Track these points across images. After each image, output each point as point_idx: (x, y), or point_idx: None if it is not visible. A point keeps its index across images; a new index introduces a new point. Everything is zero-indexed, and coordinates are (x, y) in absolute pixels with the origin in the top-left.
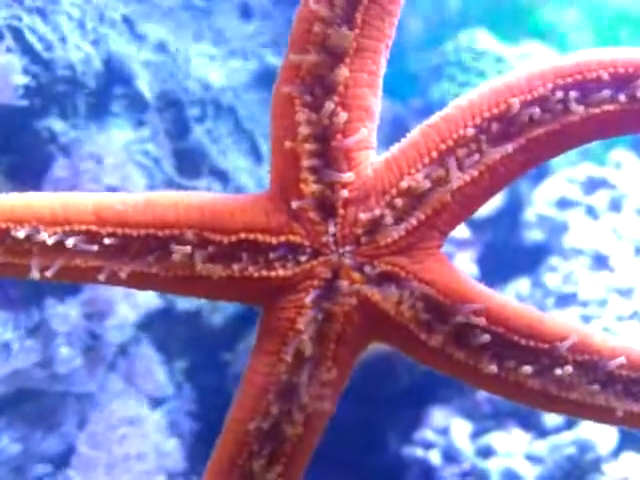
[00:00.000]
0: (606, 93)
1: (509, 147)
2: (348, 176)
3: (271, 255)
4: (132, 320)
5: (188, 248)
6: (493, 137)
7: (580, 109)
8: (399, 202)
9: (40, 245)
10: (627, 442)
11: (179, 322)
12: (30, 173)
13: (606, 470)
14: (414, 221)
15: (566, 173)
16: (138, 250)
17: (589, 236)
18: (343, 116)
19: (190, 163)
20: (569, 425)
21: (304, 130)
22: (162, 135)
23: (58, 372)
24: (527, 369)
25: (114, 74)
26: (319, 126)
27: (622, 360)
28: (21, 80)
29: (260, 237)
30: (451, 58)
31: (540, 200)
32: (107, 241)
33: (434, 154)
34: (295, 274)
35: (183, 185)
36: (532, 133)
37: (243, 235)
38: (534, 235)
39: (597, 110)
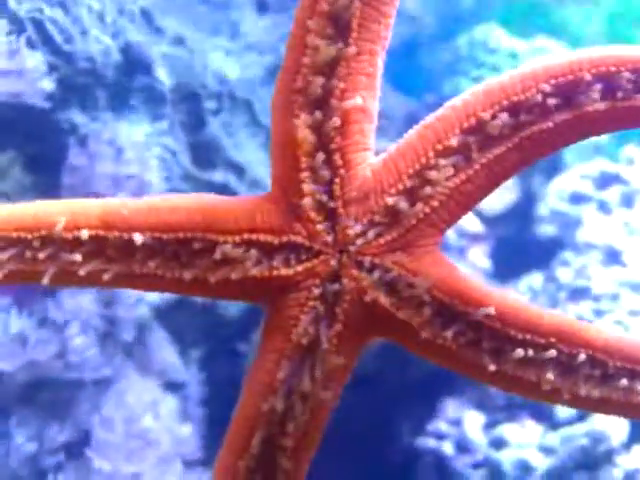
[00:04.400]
0: (596, 91)
1: (502, 147)
2: (347, 177)
3: (273, 255)
4: (148, 308)
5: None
6: (487, 137)
7: (571, 108)
8: (397, 202)
9: (51, 252)
10: (639, 434)
11: (195, 312)
12: (49, 164)
13: (618, 461)
14: (413, 220)
15: (579, 169)
16: (143, 253)
17: (601, 231)
18: (346, 117)
19: (206, 155)
20: (581, 417)
21: (302, 133)
22: (179, 127)
23: (74, 360)
24: (519, 352)
25: (133, 67)
26: (317, 129)
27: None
28: (47, 84)
29: (262, 237)
30: (464, 53)
31: (553, 195)
32: (114, 245)
33: (431, 154)
34: (297, 273)
35: (199, 177)
36: (525, 132)
37: (246, 236)
38: (547, 230)
39: (589, 108)
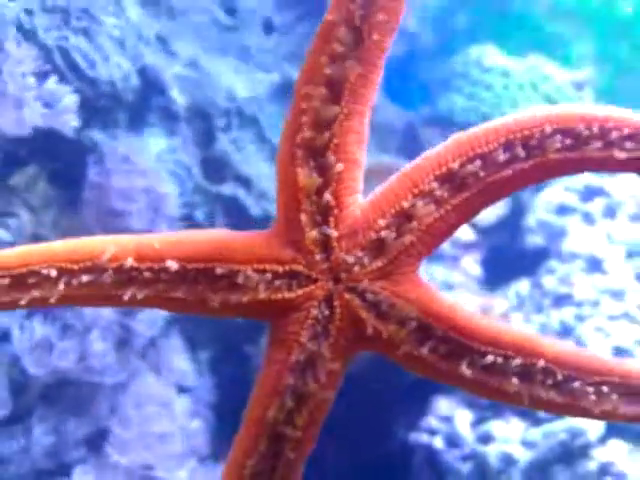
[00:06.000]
0: (552, 143)
1: (469, 192)
2: (340, 216)
3: (278, 281)
4: (162, 316)
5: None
6: (456, 184)
7: (527, 159)
8: (381, 237)
9: (94, 280)
10: (613, 430)
11: (205, 319)
12: (72, 179)
13: (594, 455)
14: (394, 251)
15: (565, 182)
16: (171, 280)
17: (585, 241)
18: (339, 167)
19: (216, 170)
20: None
21: (302, 180)
22: (191, 144)
23: (93, 364)
24: (489, 358)
25: (149, 88)
26: (316, 178)
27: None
28: (71, 105)
29: (269, 267)
30: (459, 70)
31: (541, 207)
32: (145, 274)
33: (409, 197)
34: (298, 296)
35: (210, 190)
36: (489, 179)
37: (257, 265)
38: (535, 239)
39: (544, 159)
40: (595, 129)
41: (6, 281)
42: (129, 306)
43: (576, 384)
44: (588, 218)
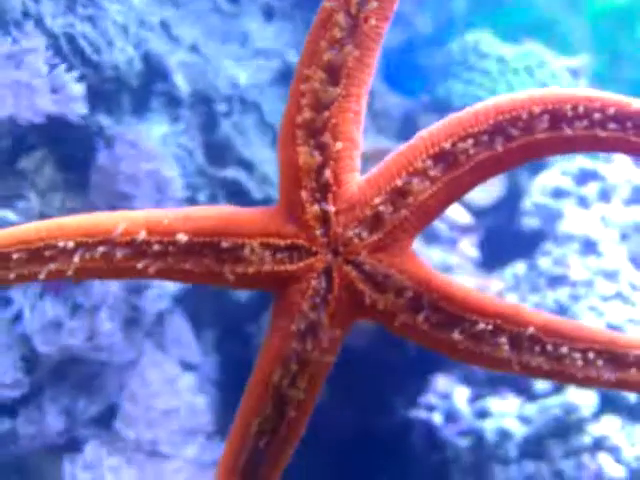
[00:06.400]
0: (539, 123)
1: (459, 170)
2: (338, 193)
3: (280, 254)
4: (168, 295)
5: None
6: (449, 162)
7: (515, 139)
8: (377, 212)
9: (112, 255)
10: (607, 406)
11: (209, 296)
12: (79, 163)
13: (588, 429)
14: (389, 226)
15: (561, 166)
16: (177, 253)
17: (580, 223)
18: (338, 146)
19: (219, 154)
20: (556, 390)
21: (303, 159)
22: (194, 128)
23: (102, 342)
24: (481, 325)
25: (153, 73)
26: (315, 156)
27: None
28: (78, 90)
29: (272, 240)
30: (457, 57)
31: (537, 190)
32: (155, 247)
33: (403, 175)
34: (299, 268)
35: (213, 173)
36: (479, 157)
37: (262, 239)
38: (531, 222)
39: (531, 138)
40: (581, 109)
41: (24, 255)
42: (141, 277)
43: (563, 350)
44: (583, 201)
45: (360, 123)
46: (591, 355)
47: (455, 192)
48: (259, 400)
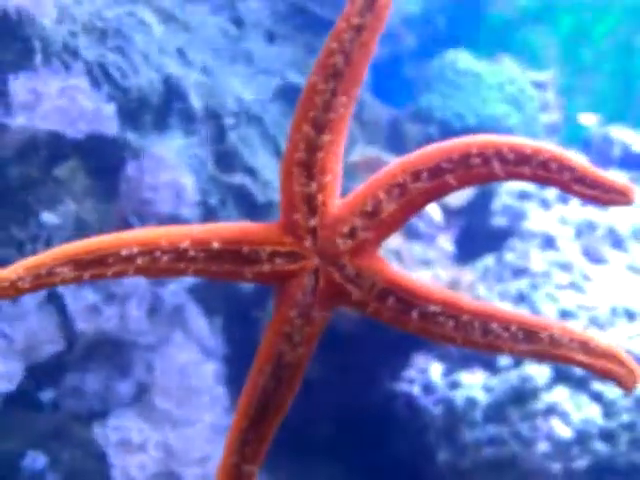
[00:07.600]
0: (475, 162)
1: (411, 196)
2: (324, 213)
3: (283, 258)
4: (184, 286)
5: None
6: (402, 190)
7: (453, 176)
8: (351, 228)
9: (161, 260)
10: (558, 377)
11: (219, 285)
12: (108, 173)
13: (542, 397)
14: (362, 237)
15: None
16: (207, 258)
17: (541, 222)
18: (327, 178)
19: (227, 162)
20: (516, 364)
21: (299, 190)
22: (206, 140)
23: (131, 327)
24: (431, 308)
25: (171, 94)
26: (309, 187)
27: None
28: (108, 111)
29: (277, 248)
30: (436, 72)
31: (505, 193)
32: (190, 253)
33: (369, 200)
34: (296, 268)
35: (222, 180)
36: (421, 190)
37: (269, 247)
38: (499, 221)
39: (468, 173)
40: (490, 152)
41: (97, 260)
42: (179, 276)
43: (492, 327)
44: (545, 203)
45: (341, 159)
46: (513, 329)
47: (408, 213)
48: (268, 355)
